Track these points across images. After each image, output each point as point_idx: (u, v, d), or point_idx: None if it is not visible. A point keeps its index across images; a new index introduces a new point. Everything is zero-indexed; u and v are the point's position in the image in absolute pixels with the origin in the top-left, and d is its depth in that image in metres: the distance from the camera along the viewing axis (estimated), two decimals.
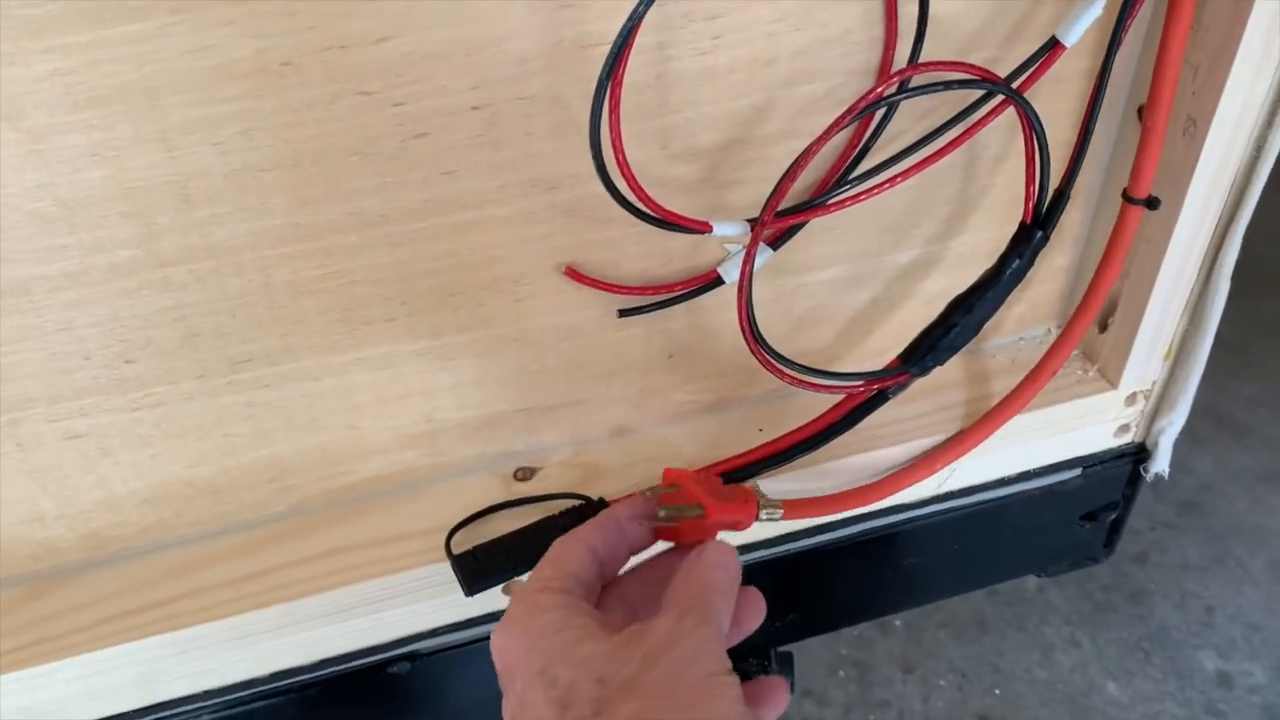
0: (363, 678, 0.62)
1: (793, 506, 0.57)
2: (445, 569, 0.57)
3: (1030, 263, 0.54)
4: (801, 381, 0.54)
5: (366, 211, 0.49)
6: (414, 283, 0.52)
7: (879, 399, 0.59)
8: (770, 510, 0.55)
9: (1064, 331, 0.58)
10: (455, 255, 0.51)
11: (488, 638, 0.60)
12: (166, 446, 0.55)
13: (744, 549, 0.64)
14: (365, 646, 0.61)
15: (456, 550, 0.57)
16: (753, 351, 0.52)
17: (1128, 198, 0.54)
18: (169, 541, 0.59)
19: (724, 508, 0.49)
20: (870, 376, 0.57)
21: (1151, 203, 0.53)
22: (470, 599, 0.57)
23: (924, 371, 0.57)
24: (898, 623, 1.57)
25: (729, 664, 0.40)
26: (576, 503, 0.58)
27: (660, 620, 0.41)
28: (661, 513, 0.48)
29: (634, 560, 0.49)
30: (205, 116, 0.44)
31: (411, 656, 0.62)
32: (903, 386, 0.58)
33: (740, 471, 0.60)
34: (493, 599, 0.60)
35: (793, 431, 0.60)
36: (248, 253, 0.49)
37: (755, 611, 0.49)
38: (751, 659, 0.76)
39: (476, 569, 0.57)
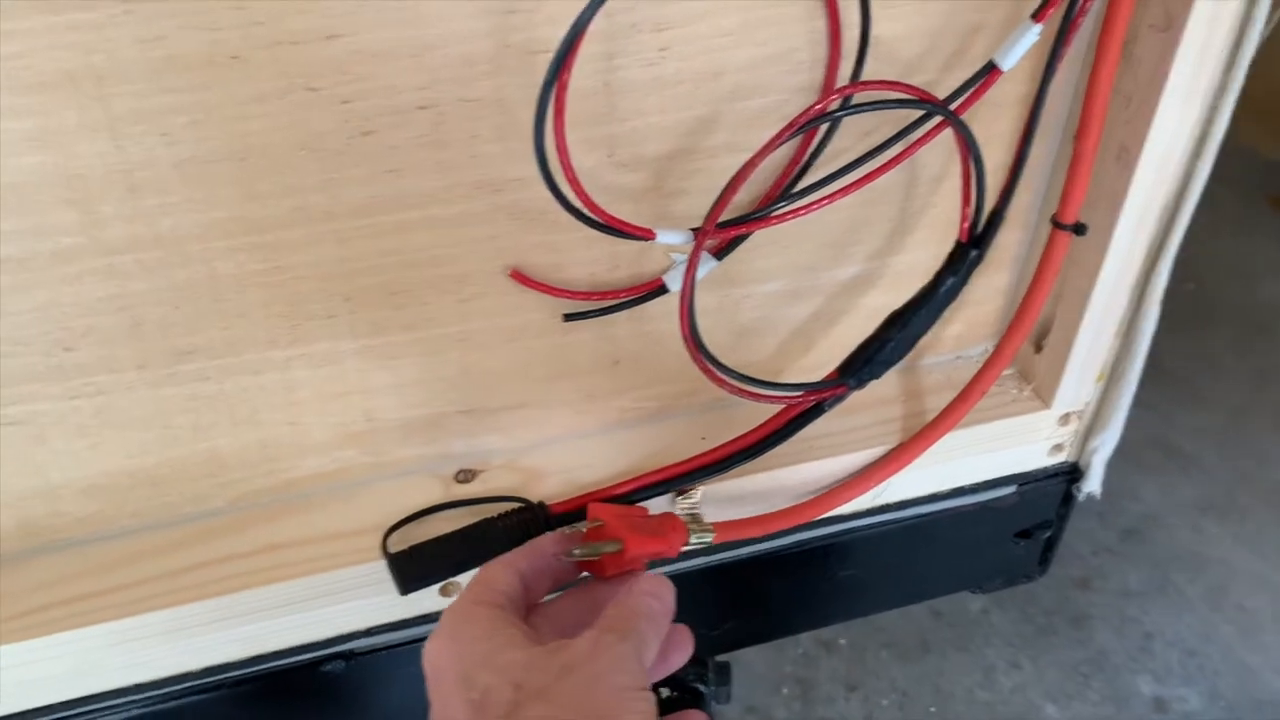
0: (297, 675, 0.62)
1: (725, 529, 0.58)
2: (382, 568, 0.57)
3: (965, 281, 0.55)
4: (742, 391, 0.55)
5: (312, 207, 0.49)
6: (357, 280, 0.52)
7: (816, 410, 0.60)
8: (701, 534, 0.56)
9: (995, 352, 0.60)
10: (399, 253, 0.52)
11: (423, 639, 0.60)
12: (105, 436, 0.55)
13: (680, 556, 0.65)
14: (300, 644, 0.61)
15: (393, 550, 0.57)
16: (694, 359, 0.53)
17: (1056, 223, 0.55)
18: (106, 533, 0.59)
19: (644, 541, 0.50)
20: (809, 388, 0.58)
21: (1079, 229, 0.55)
22: (406, 599, 0.58)
23: (861, 385, 0.58)
24: (842, 641, 1.58)
25: (646, 683, 0.41)
26: (516, 505, 0.59)
27: (584, 636, 0.42)
28: (576, 551, 0.49)
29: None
30: (153, 106, 0.44)
31: (346, 655, 0.63)
32: (840, 399, 0.59)
33: (680, 479, 0.61)
34: (429, 600, 0.60)
35: (731, 441, 0.61)
36: (193, 244, 0.49)
37: (682, 648, 0.50)
38: (688, 667, 0.77)
39: (412, 569, 0.57)
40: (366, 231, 0.51)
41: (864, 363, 0.57)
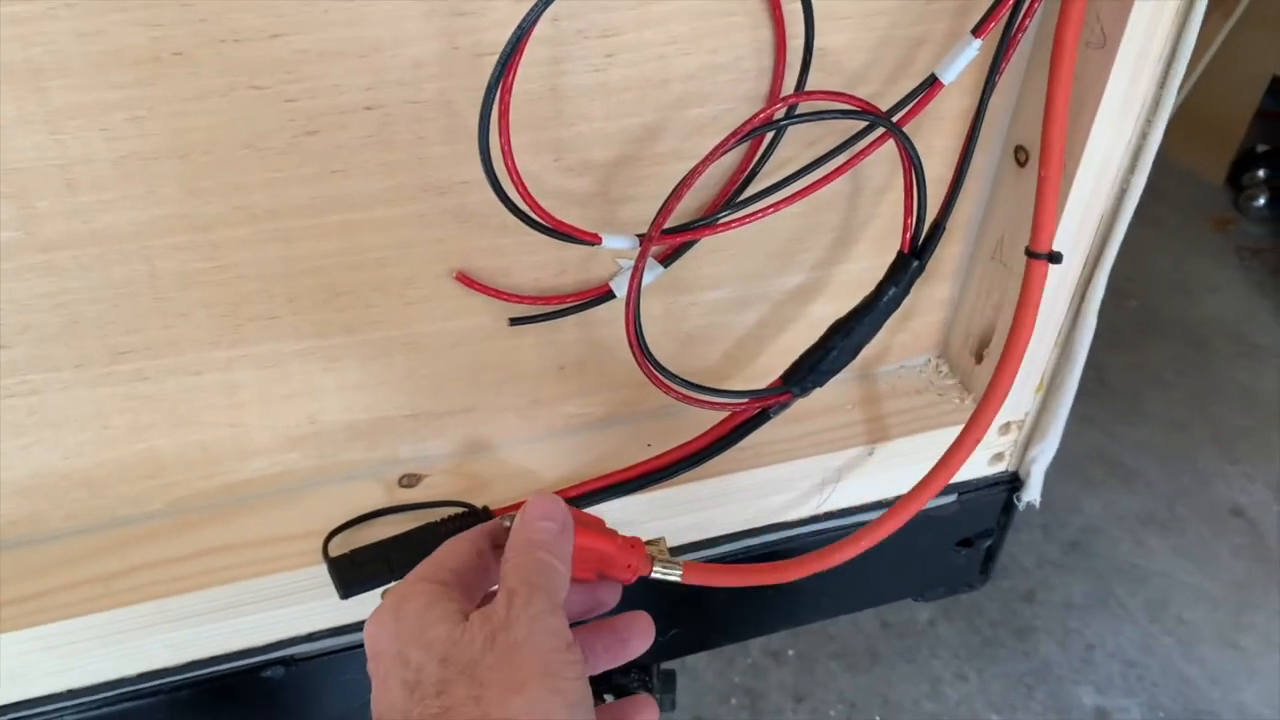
0: (236, 681, 0.62)
1: (693, 571, 0.53)
2: (323, 572, 0.57)
3: (906, 291, 0.56)
4: (687, 397, 0.55)
5: (255, 206, 0.49)
6: (301, 280, 0.52)
7: (761, 418, 0.60)
8: (667, 570, 0.52)
9: (985, 397, 0.58)
10: (344, 254, 0.52)
11: (364, 644, 0.60)
12: (41, 436, 0.54)
13: None
14: (239, 649, 0.60)
15: (334, 554, 0.57)
16: (640, 365, 0.53)
17: (1030, 253, 0.54)
18: (41, 535, 0.58)
19: (598, 538, 0.49)
20: (753, 395, 0.58)
21: (1054, 257, 0.54)
22: (347, 604, 0.57)
23: (804, 392, 0.58)
24: (790, 652, 1.59)
25: (567, 637, 0.40)
26: (459, 510, 0.59)
27: (497, 600, 0.41)
28: (505, 522, 0.47)
29: None
30: (93, 101, 0.44)
31: (286, 661, 0.62)
32: (784, 406, 0.60)
33: (624, 486, 0.61)
34: (370, 604, 0.60)
35: (677, 448, 0.62)
36: (133, 241, 0.49)
37: (643, 635, 0.50)
38: (634, 673, 0.77)
39: (353, 572, 0.56)
40: (311, 232, 0.50)
41: (808, 370, 0.57)
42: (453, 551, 0.46)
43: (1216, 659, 1.63)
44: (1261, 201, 2.46)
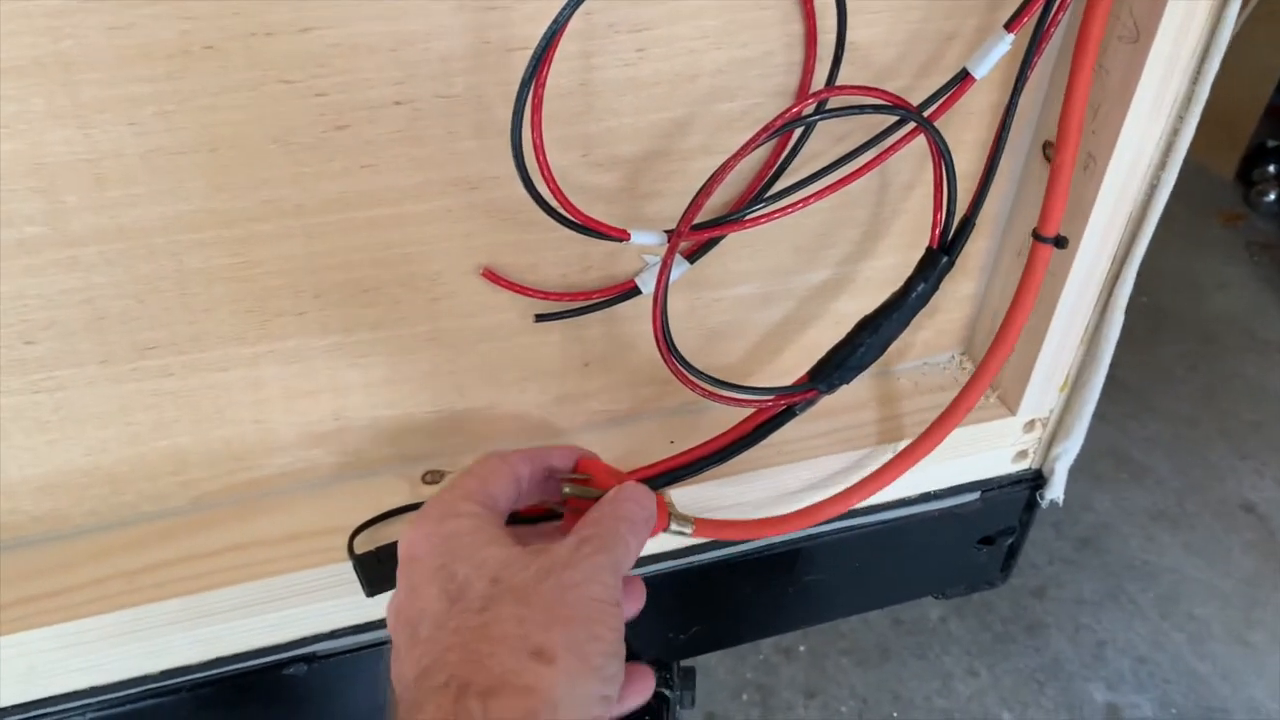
0: (258, 678, 0.61)
1: (704, 526, 0.57)
2: (347, 569, 0.57)
3: (935, 287, 0.56)
4: (712, 394, 0.55)
5: (283, 201, 0.48)
6: (328, 276, 0.52)
7: (787, 415, 0.60)
8: (681, 524, 0.55)
9: (980, 368, 0.59)
10: (371, 250, 0.51)
11: (386, 641, 0.60)
12: (65, 432, 0.54)
13: (647, 560, 0.65)
14: (262, 646, 0.60)
15: (359, 550, 0.57)
16: (665, 362, 0.53)
17: (1037, 236, 0.55)
18: (64, 531, 0.58)
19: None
20: (779, 392, 0.58)
21: (1060, 241, 0.55)
22: (370, 601, 0.57)
23: (831, 389, 0.58)
24: (802, 648, 1.59)
25: (618, 596, 0.43)
26: None
27: (565, 542, 0.44)
28: (566, 489, 0.50)
29: None
30: (122, 95, 0.44)
31: (309, 658, 0.62)
32: (810, 403, 0.59)
33: (648, 482, 0.60)
34: None
35: (701, 445, 0.61)
36: (160, 236, 0.48)
37: (641, 692, 0.50)
38: (654, 672, 0.76)
39: (378, 570, 0.56)
40: (338, 227, 0.50)
41: (835, 367, 0.57)
42: (494, 475, 0.48)
43: (1227, 655, 1.63)
44: (1272, 197, 2.45)
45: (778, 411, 0.60)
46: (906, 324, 0.57)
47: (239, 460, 0.58)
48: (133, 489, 0.58)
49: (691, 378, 0.54)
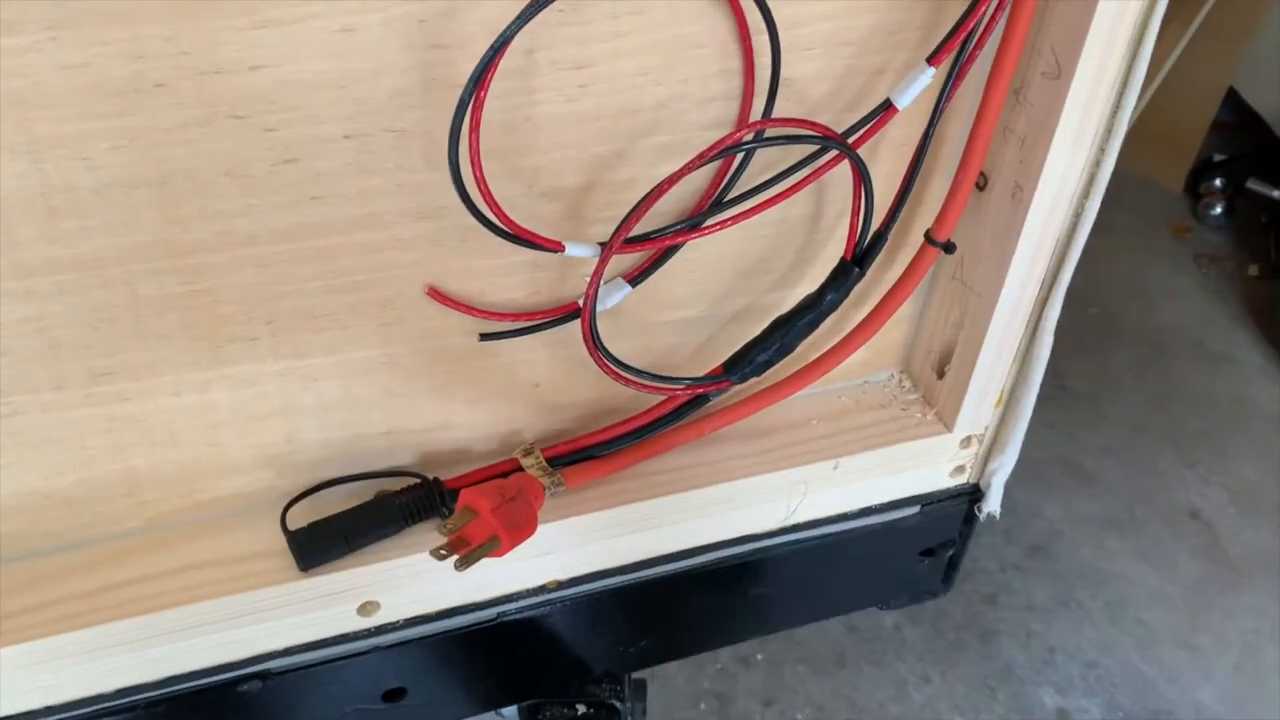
0: (213, 695, 0.62)
1: (573, 474, 0.62)
2: (300, 589, 0.58)
3: (845, 296, 0.59)
4: (631, 382, 0.57)
5: (235, 231, 0.50)
6: (280, 303, 0.53)
7: (701, 400, 0.63)
8: (554, 486, 0.61)
9: (858, 325, 0.64)
10: (322, 278, 0.53)
11: (340, 658, 0.61)
12: (20, 456, 0.55)
13: (594, 576, 0.66)
14: (216, 664, 0.61)
15: (292, 526, 0.58)
16: (590, 353, 0.55)
17: (929, 238, 0.59)
18: (19, 553, 0.59)
19: (516, 535, 0.55)
20: (694, 381, 0.61)
21: (948, 247, 0.60)
22: (323, 619, 0.58)
23: (742, 379, 0.61)
24: (759, 656, 1.61)
25: None
26: (412, 482, 0.61)
27: None
28: (457, 566, 0.53)
29: None
30: (76, 131, 0.45)
31: (263, 675, 0.63)
32: (721, 391, 0.62)
33: (566, 458, 0.63)
34: (346, 620, 0.61)
35: (618, 423, 0.64)
36: (114, 267, 0.50)
37: None
38: (605, 683, 0.78)
39: (311, 545, 0.58)
40: (290, 257, 0.51)
41: (748, 362, 0.60)
42: None
43: (1174, 659, 1.67)
44: (1218, 210, 2.51)
45: (692, 398, 0.63)
46: (814, 329, 0.61)
47: (193, 482, 0.59)
48: (89, 511, 0.59)
49: (613, 367, 0.56)
